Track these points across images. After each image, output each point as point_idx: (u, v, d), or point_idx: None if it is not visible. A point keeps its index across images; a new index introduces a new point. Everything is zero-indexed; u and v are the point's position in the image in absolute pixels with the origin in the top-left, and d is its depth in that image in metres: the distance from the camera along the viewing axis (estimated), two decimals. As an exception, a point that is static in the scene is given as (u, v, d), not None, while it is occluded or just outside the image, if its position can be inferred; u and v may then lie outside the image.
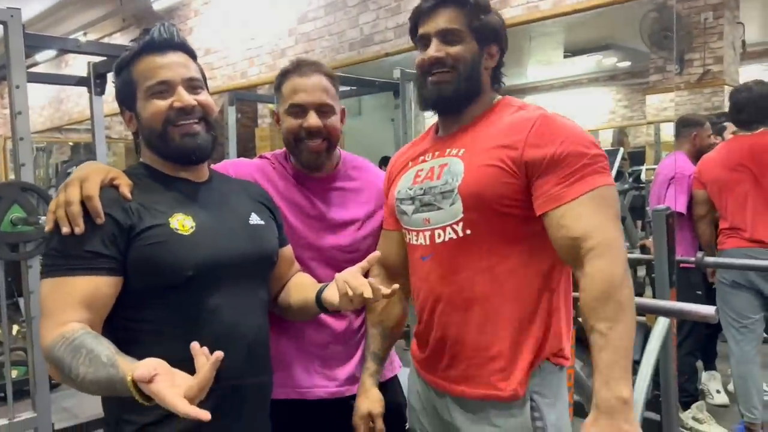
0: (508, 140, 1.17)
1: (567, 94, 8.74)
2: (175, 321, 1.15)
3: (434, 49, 1.24)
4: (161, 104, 1.19)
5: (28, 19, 6.64)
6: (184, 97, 1.19)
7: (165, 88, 1.19)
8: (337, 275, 1.20)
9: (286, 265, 1.40)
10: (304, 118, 1.44)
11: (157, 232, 1.14)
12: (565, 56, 7.02)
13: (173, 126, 1.19)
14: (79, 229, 1.08)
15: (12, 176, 8.41)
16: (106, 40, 6.33)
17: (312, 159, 1.47)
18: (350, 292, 1.15)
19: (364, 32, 4.44)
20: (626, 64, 7.73)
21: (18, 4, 5.80)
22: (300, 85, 1.46)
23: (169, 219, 1.16)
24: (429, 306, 1.26)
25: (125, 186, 1.17)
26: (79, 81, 3.31)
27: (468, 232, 1.18)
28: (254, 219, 1.29)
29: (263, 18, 4.92)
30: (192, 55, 1.27)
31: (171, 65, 1.21)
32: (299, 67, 1.49)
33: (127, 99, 1.24)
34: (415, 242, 1.29)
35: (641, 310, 1.55)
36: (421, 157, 1.33)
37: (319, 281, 1.40)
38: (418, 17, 1.29)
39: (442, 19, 1.25)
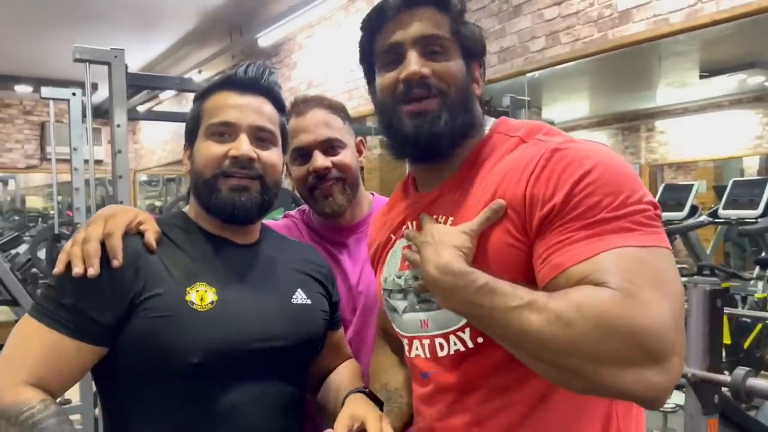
0: (506, 195, 0.82)
1: (704, 118, 7.93)
2: (177, 421, 0.93)
3: (415, 62, 0.86)
4: (216, 149, 1.01)
5: (151, 60, 7.05)
6: (243, 146, 1.00)
7: (226, 131, 1.01)
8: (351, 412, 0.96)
9: (330, 352, 1.16)
10: (309, 162, 1.24)
11: (167, 302, 0.93)
12: (702, 77, 6.33)
13: (224, 176, 1.00)
14: (93, 270, 0.91)
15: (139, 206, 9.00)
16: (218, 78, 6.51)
17: (327, 205, 1.25)
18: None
19: (466, 58, 4.11)
20: (776, 83, 6.83)
21: (142, 45, 6.08)
22: (299, 126, 1.26)
23: (188, 289, 0.95)
24: None
25: (152, 233, 0.98)
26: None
27: (480, 340, 0.85)
28: (299, 297, 1.07)
29: (362, 49, 4.76)
30: (278, 104, 1.07)
31: (243, 107, 1.02)
32: (295, 106, 1.28)
33: (189, 133, 1.07)
34: (408, 353, 0.94)
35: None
36: (404, 226, 0.97)
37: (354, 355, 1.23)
38: (378, 21, 0.92)
39: (421, 23, 0.89)
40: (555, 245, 0.75)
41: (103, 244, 0.94)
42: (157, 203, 10.24)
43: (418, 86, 0.88)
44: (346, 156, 1.28)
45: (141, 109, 7.54)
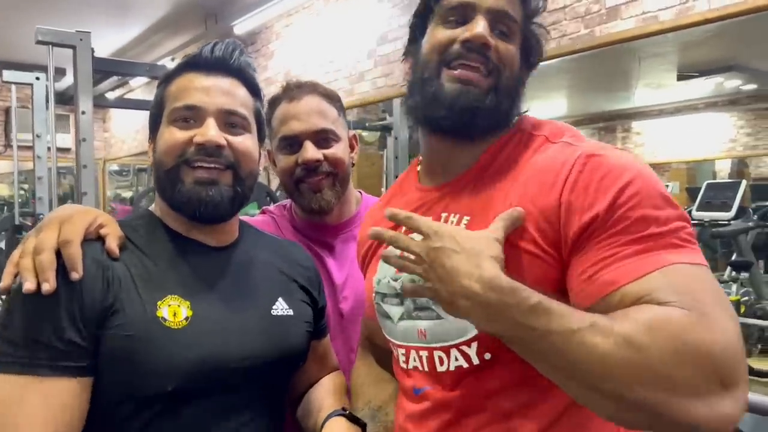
0: (537, 201, 0.76)
1: (680, 120, 7.99)
2: None
3: (483, 28, 0.80)
4: (179, 135, 0.89)
5: (122, 45, 6.83)
6: (210, 131, 0.88)
7: (190, 116, 0.90)
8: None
9: (314, 362, 1.06)
10: (299, 152, 1.15)
11: (137, 320, 0.82)
12: (680, 78, 6.37)
13: (189, 166, 0.88)
14: (49, 286, 0.76)
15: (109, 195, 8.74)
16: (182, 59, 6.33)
17: (314, 200, 1.16)
18: None
19: (449, 53, 4.02)
20: (752, 87, 6.90)
21: (112, 31, 5.86)
22: (290, 112, 1.16)
23: (159, 303, 0.84)
24: None
25: (114, 238, 0.86)
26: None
27: (487, 356, 0.77)
28: (279, 307, 0.97)
29: (342, 40, 4.66)
30: (252, 88, 0.95)
31: (210, 89, 0.90)
32: (288, 90, 1.18)
33: (153, 122, 0.95)
34: (403, 364, 0.85)
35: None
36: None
37: (342, 367, 1.15)
38: None
39: None
40: (602, 261, 0.69)
41: (59, 254, 0.81)
42: (126, 194, 10.01)
43: (477, 52, 0.81)
44: (339, 149, 1.19)
45: (111, 96, 7.31)
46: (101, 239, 0.87)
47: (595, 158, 0.75)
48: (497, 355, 0.76)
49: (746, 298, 4.22)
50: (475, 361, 0.78)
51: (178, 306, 0.87)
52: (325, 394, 1.05)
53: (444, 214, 0.84)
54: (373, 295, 0.92)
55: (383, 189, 4.76)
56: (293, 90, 1.20)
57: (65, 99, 5.80)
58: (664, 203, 0.71)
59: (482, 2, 0.83)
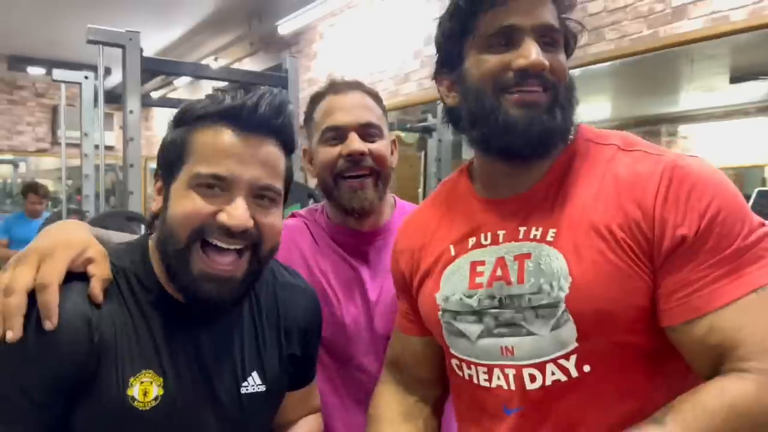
0: (629, 213, 0.77)
1: (729, 125, 7.71)
2: None
3: (537, 53, 0.80)
4: (200, 205, 0.81)
5: (166, 45, 6.89)
6: (237, 211, 0.79)
7: (216, 184, 0.79)
8: None
9: (294, 404, 0.99)
10: (343, 144, 1.12)
11: (111, 398, 0.78)
12: (732, 81, 6.14)
13: (203, 247, 0.79)
14: (12, 335, 0.71)
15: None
16: (236, 65, 6.36)
17: (355, 199, 1.12)
18: None
19: (497, 53, 3.92)
20: (809, 91, 6.60)
21: (157, 30, 5.91)
22: (336, 104, 1.15)
23: (132, 380, 0.79)
24: None
25: (100, 281, 0.77)
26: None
27: (586, 368, 0.77)
28: (251, 384, 0.89)
29: (387, 40, 4.60)
30: (288, 147, 0.89)
31: (245, 158, 0.82)
32: (333, 85, 1.19)
33: (167, 164, 0.86)
34: (484, 382, 0.82)
35: None
36: (472, 239, 0.85)
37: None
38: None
39: (541, 10, 0.82)
40: (693, 282, 0.73)
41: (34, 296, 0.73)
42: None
43: (534, 77, 0.80)
44: (383, 146, 1.17)
45: (155, 95, 7.38)
46: (85, 278, 0.78)
47: (680, 169, 0.77)
48: (597, 366, 0.77)
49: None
50: (574, 373, 0.77)
51: (150, 383, 0.80)
52: None
53: (523, 228, 0.83)
54: (440, 313, 0.88)
55: (420, 190, 4.69)
56: (338, 84, 1.21)
57: (111, 97, 5.87)
58: (745, 213, 0.75)
59: (525, 21, 0.81)
